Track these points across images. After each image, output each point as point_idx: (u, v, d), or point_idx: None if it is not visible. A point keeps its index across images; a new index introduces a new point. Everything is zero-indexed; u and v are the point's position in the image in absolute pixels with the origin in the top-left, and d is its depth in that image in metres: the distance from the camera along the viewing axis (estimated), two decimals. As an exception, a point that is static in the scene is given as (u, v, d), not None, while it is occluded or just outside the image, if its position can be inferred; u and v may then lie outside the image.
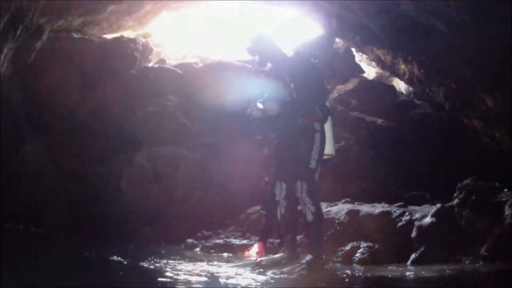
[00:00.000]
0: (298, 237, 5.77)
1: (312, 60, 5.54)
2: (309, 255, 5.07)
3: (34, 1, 7.64)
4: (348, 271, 5.23)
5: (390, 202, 6.93)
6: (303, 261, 5.02)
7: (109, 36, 10.79)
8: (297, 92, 5.29)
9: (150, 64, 10.79)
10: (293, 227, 5.45)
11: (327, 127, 5.48)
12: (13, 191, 9.09)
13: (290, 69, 5.35)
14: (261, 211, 6.44)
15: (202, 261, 5.77)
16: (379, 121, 9.67)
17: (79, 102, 9.91)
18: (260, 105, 5.56)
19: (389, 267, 5.50)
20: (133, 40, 10.61)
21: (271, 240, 6.48)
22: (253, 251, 6.16)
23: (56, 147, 9.51)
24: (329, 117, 5.55)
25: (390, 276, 5.02)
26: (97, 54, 10.29)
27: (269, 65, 5.58)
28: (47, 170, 9.38)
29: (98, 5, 9.19)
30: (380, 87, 10.56)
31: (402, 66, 8.64)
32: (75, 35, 10.36)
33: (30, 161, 9.51)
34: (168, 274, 4.57)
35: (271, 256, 5.57)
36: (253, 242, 6.49)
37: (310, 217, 5.07)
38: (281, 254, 5.59)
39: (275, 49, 5.43)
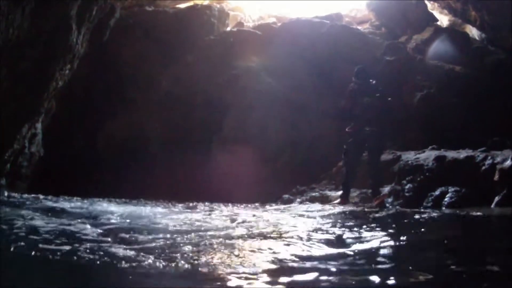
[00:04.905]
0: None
1: None
2: None
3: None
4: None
5: (473, 148, 7.59)
6: None
7: (183, 6, 11.88)
8: None
9: (228, 29, 11.71)
10: None
11: None
12: (101, 165, 10.40)
13: None
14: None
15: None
16: (457, 68, 10.35)
17: (161, 73, 11.00)
18: None
19: (476, 210, 6.09)
20: (208, 7, 11.59)
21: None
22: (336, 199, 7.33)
23: (142, 119, 10.75)
24: None
25: (475, 214, 5.79)
26: (173, 24, 11.29)
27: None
28: (136, 141, 10.63)
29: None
30: (454, 34, 11.06)
31: (473, 13, 9.30)
32: (148, 8, 11.45)
33: (117, 134, 10.85)
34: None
35: None
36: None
37: None
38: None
39: None
